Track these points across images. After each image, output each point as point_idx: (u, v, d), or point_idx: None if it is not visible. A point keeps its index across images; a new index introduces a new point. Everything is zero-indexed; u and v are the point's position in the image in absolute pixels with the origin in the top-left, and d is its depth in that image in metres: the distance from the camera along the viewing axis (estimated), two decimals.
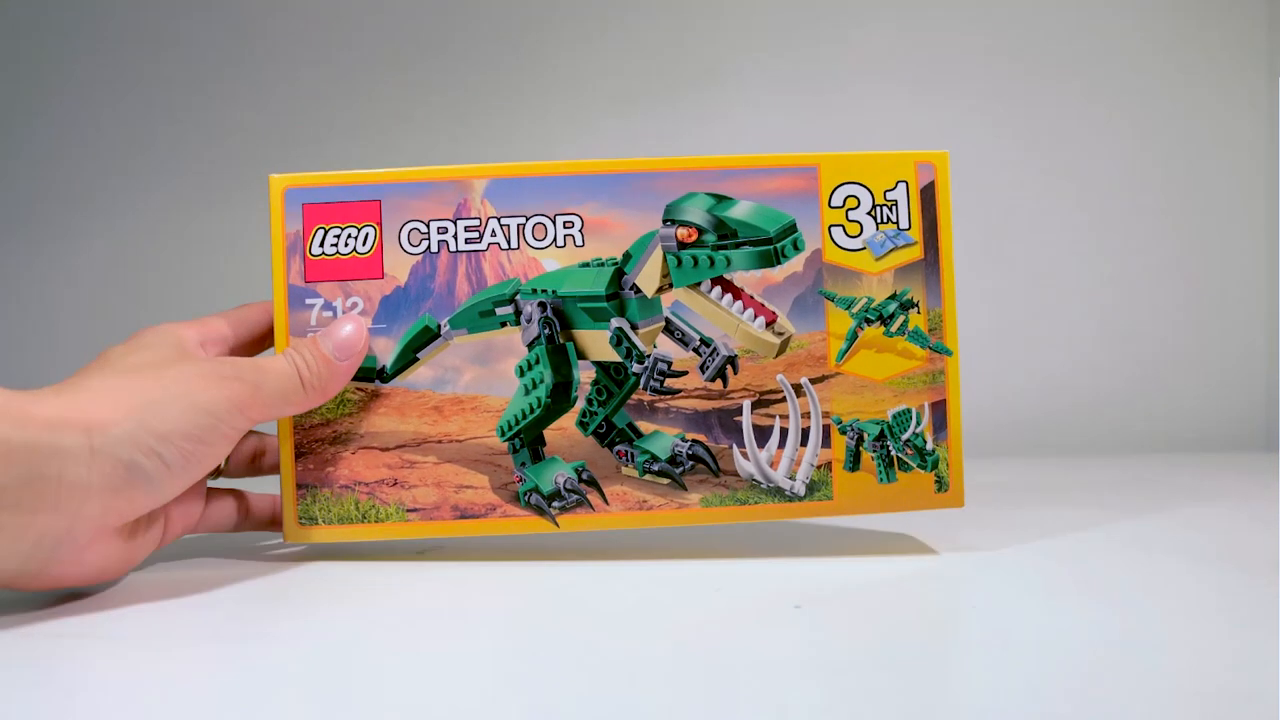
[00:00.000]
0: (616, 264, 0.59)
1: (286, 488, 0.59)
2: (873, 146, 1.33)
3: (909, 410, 0.60)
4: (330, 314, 0.59)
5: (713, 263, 0.59)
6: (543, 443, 0.60)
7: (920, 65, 1.38)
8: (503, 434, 0.60)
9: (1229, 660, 0.41)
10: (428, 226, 0.60)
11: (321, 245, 0.59)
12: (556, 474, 0.59)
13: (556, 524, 0.59)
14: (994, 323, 1.35)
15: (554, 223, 0.60)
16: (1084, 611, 0.48)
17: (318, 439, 0.59)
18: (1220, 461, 1.15)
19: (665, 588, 0.53)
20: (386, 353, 0.60)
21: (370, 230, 0.60)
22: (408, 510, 0.59)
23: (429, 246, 0.60)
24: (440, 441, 0.60)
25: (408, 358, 0.60)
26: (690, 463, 0.60)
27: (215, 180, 1.48)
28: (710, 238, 0.59)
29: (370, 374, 0.60)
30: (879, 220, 0.60)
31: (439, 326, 0.60)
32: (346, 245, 0.59)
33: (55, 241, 1.48)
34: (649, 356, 0.59)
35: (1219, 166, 1.36)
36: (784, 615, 0.47)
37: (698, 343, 0.60)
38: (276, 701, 0.36)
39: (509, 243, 0.60)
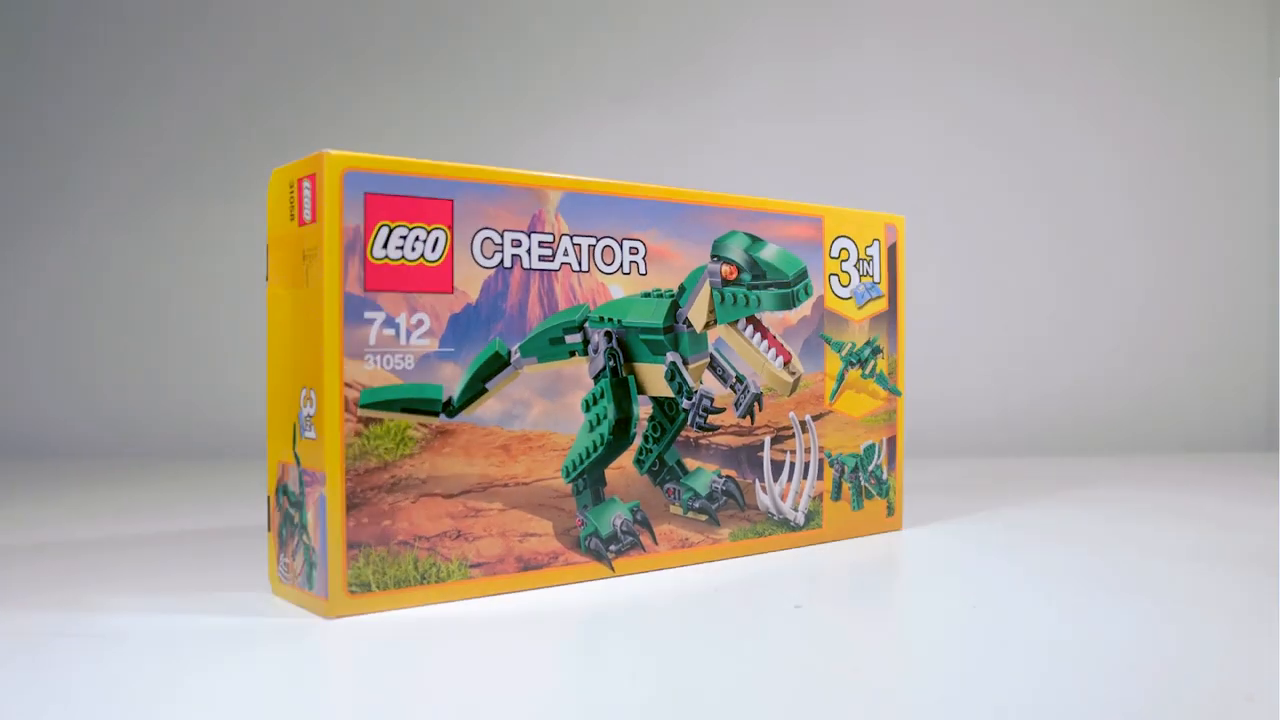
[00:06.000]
0: (673, 296, 0.58)
1: (335, 550, 0.47)
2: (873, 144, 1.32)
3: (874, 444, 0.67)
4: (392, 332, 0.48)
5: (748, 301, 0.60)
6: (604, 483, 0.55)
7: (918, 65, 1.36)
8: (568, 475, 0.54)
9: (1230, 657, 0.42)
10: (502, 237, 0.52)
11: (385, 246, 0.48)
12: (614, 516, 0.56)
13: (613, 569, 0.55)
14: (999, 331, 1.37)
15: (621, 247, 0.56)
16: (1084, 611, 0.50)
17: (373, 486, 0.48)
18: (1221, 461, 1.14)
19: (666, 587, 0.53)
20: (453, 382, 0.50)
21: (441, 234, 0.50)
22: (470, 565, 0.51)
23: (502, 260, 0.52)
24: (506, 485, 0.52)
25: (475, 388, 0.51)
26: (723, 498, 0.60)
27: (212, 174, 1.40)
28: (746, 277, 0.60)
29: (435, 407, 0.50)
30: (861, 272, 0.67)
31: (509, 353, 0.52)
32: (414, 250, 0.49)
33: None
34: (695, 392, 0.58)
35: (1219, 171, 1.39)
36: (785, 614, 0.48)
37: (734, 379, 0.60)
38: (276, 700, 0.36)
39: (580, 264, 0.54)
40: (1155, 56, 1.38)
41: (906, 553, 0.63)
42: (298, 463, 0.49)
